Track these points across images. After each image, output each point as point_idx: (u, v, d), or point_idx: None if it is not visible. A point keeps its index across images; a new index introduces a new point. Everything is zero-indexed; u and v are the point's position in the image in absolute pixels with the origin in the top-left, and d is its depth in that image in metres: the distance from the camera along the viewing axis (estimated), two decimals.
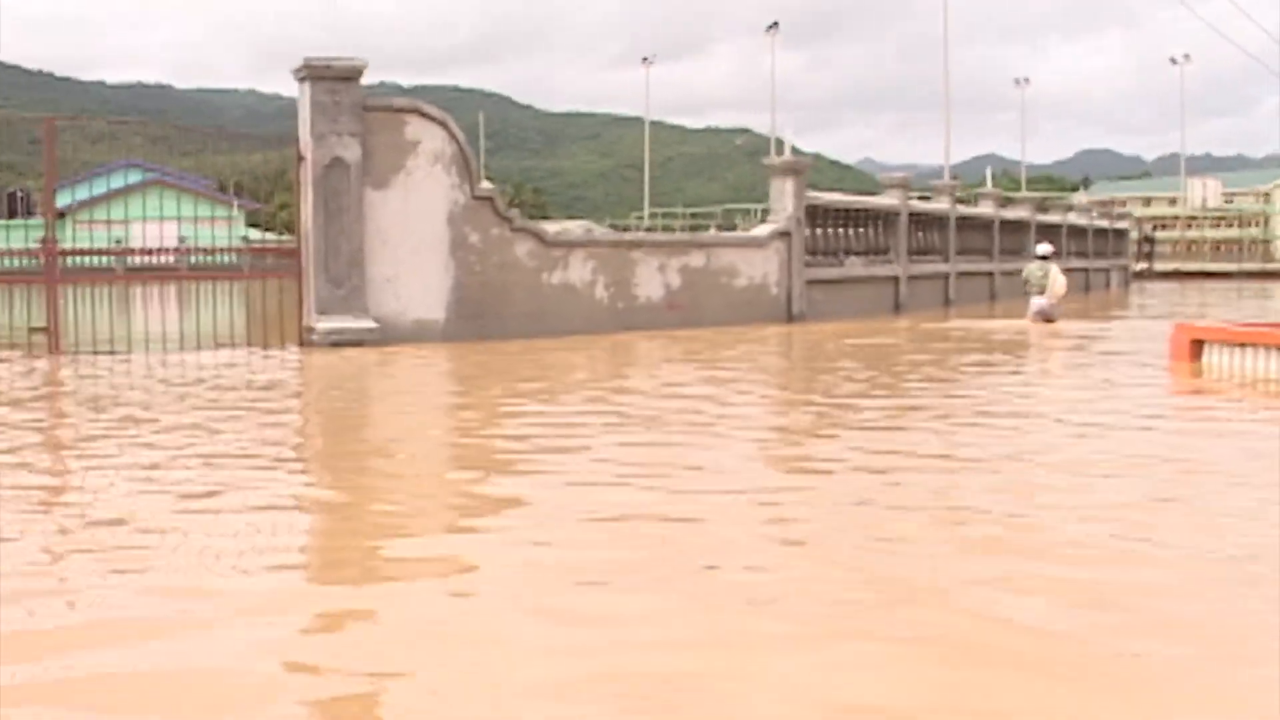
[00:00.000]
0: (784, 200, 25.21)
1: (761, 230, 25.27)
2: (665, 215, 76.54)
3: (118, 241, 48.12)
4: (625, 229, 51.08)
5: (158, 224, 24.46)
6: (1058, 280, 24.19)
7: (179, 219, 38.59)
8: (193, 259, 33.42)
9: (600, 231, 28.87)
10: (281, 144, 20.43)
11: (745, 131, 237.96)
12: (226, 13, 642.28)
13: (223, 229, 59.07)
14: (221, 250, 26.09)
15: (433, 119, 19.74)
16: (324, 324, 18.61)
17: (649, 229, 59.00)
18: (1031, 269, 24.83)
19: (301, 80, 19.15)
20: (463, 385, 14.67)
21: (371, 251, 19.11)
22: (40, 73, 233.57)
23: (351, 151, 18.97)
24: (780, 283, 24.66)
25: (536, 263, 20.70)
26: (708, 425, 10.60)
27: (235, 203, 74.86)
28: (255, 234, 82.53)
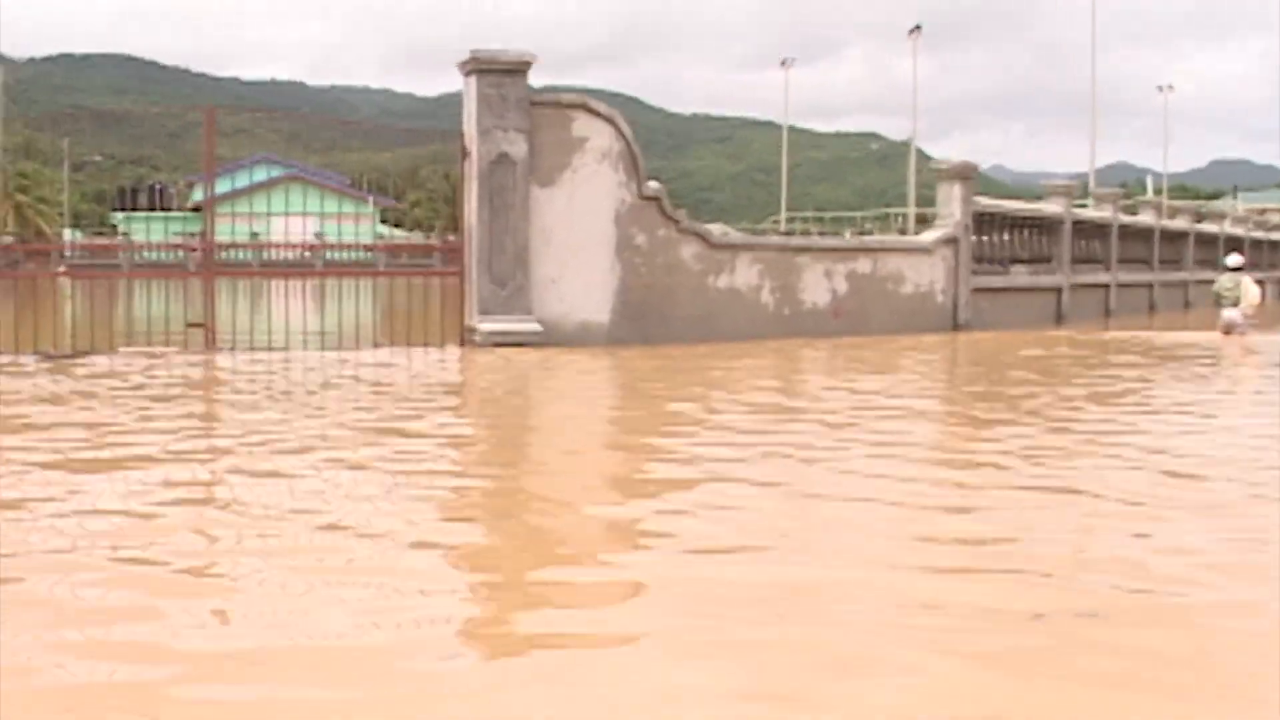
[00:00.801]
0: (951, 205, 24.36)
1: (928, 236, 24.44)
2: (804, 220, 75.54)
3: (255, 236, 48.05)
4: (789, 234, 50.53)
5: (296, 219, 24.20)
6: (1250, 291, 23.15)
7: (321, 214, 38.55)
8: (345, 255, 33.08)
9: (736, 235, 28.10)
10: (445, 140, 19.91)
11: (875, 136, 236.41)
12: (362, 11, 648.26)
13: (360, 224, 59.03)
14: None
15: (600, 115, 19.11)
16: (487, 325, 18.04)
17: (787, 234, 58.20)
18: (1223, 281, 23.79)
19: (467, 74, 18.61)
20: (643, 393, 13.95)
21: (536, 251, 18.52)
22: (176, 68, 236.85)
23: (517, 147, 18.38)
24: (946, 290, 23.79)
25: (702, 265, 20.00)
26: (948, 457, 9.83)
27: (370, 199, 75.08)
28: (387, 231, 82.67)
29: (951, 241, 23.98)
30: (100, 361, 15.86)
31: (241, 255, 22.56)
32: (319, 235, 44.48)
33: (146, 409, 11.24)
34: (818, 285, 21.57)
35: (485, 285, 18.19)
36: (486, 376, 15.06)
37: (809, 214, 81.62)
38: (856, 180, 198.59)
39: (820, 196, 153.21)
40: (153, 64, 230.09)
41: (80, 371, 14.73)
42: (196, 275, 18.22)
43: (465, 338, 18.28)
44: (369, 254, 31.44)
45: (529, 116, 18.51)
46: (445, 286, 19.21)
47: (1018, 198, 38.98)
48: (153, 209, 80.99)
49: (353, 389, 13.33)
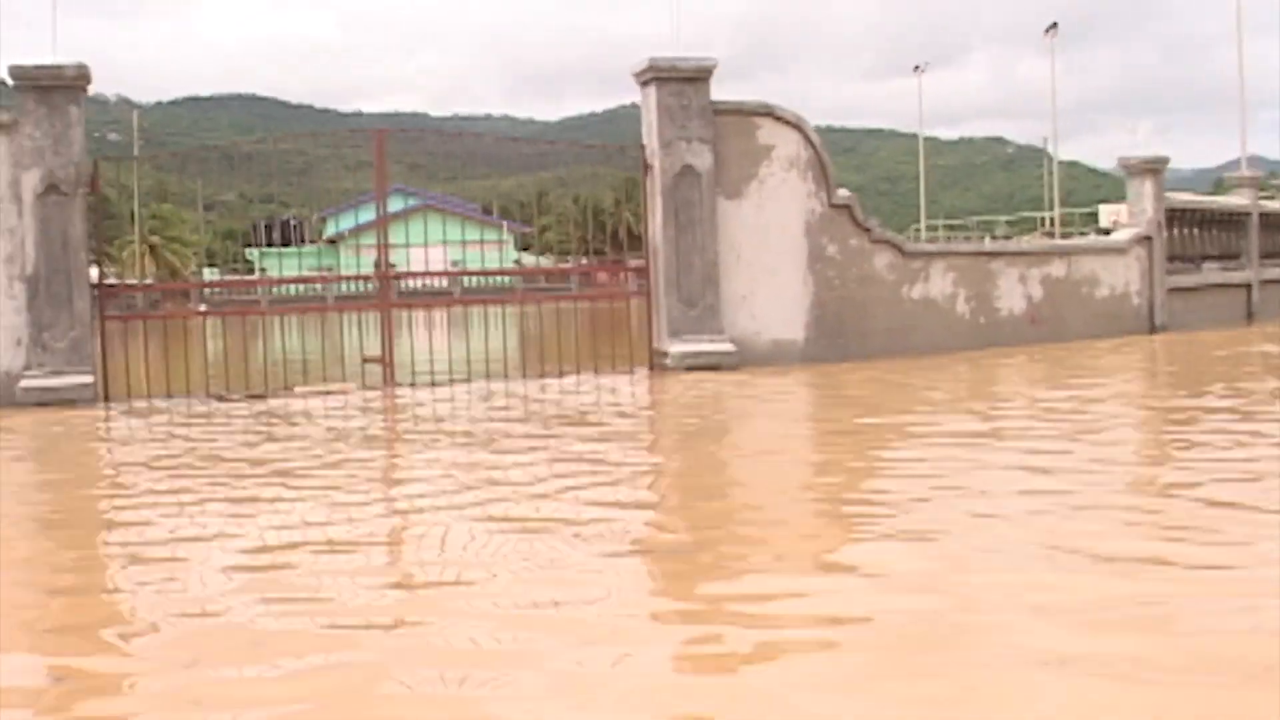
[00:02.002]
0: (1143, 203, 23.11)
1: (1122, 236, 23.23)
2: (946, 228, 74.15)
3: (393, 267, 47.49)
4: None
5: (433, 249, 23.50)
6: None
7: (463, 242, 37.93)
8: (485, 281, 32.41)
9: (928, 243, 26.97)
10: (622, 155, 19.09)
11: (1000, 141, 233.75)
12: (483, 40, 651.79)
13: (495, 252, 58.55)
14: (566, 270, 24.51)
15: (787, 122, 18.16)
16: (677, 347, 17.14)
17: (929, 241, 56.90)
18: None
19: (645, 83, 17.77)
20: (873, 412, 12.94)
21: (726, 267, 17.61)
22: (301, 105, 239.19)
23: (702, 159, 17.49)
24: (1141, 292, 22.55)
25: (896, 275, 18.97)
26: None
27: (505, 225, 74.66)
28: (521, 256, 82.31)
29: (1145, 240, 22.75)
30: (281, 403, 15.19)
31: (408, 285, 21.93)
32: (456, 263, 44.03)
33: (396, 453, 10.51)
34: (1012, 291, 20.45)
35: (674, 305, 17.31)
36: (699, 405, 14.15)
37: (951, 221, 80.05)
38: (984, 186, 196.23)
39: (948, 203, 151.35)
40: (277, 102, 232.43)
41: (281, 412, 14.09)
42: (374, 308, 17.46)
43: (655, 361, 17.41)
44: (516, 280, 30.77)
45: (712, 125, 17.63)
46: (615, 309, 18.41)
47: None
48: (286, 244, 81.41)
49: (581, 424, 12.49)
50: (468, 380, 16.74)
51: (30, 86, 15.80)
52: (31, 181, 15.70)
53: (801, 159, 18.14)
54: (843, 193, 18.59)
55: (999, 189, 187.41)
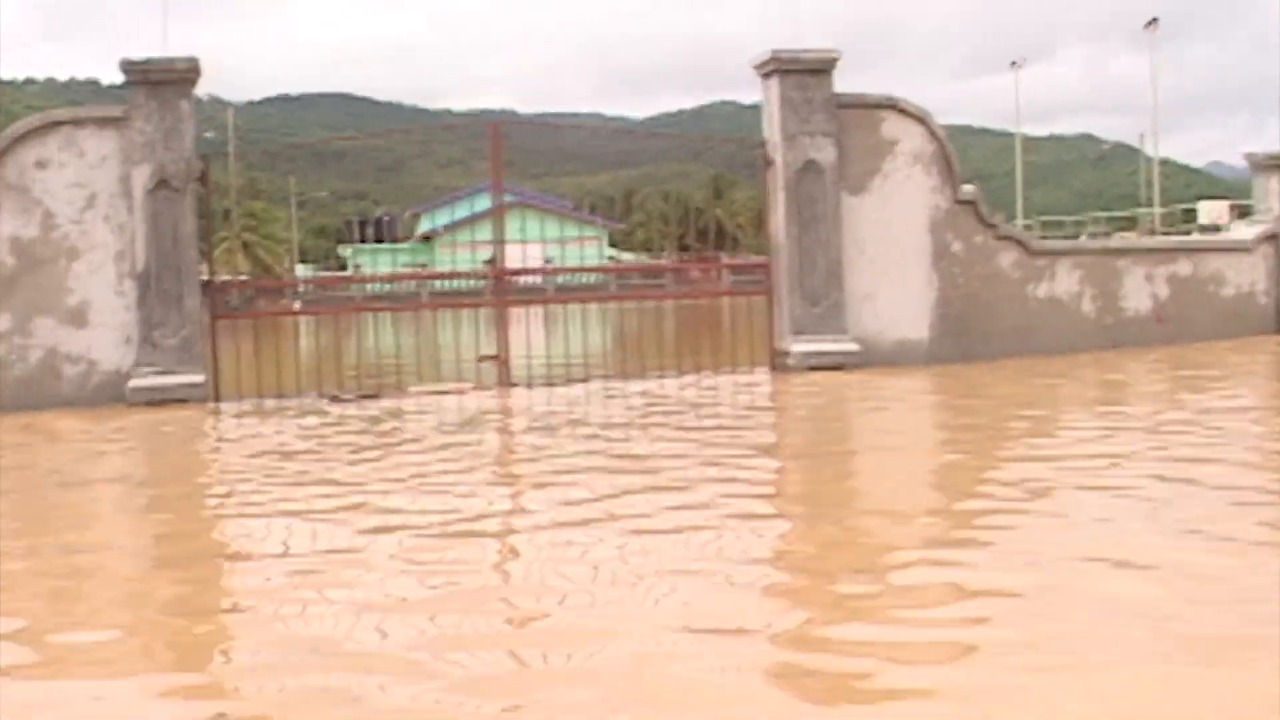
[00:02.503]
0: (1270, 199, 22.28)
1: (1248, 233, 22.42)
2: (1043, 224, 72.92)
3: (487, 263, 47.26)
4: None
5: (528, 245, 23.14)
6: None
7: (560, 239, 37.52)
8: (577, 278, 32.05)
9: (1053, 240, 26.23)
10: (742, 149, 18.56)
11: (1090, 138, 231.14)
12: (574, 37, 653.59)
13: (590, 248, 58.24)
14: (673, 266, 23.90)
15: (911, 115, 17.58)
16: (800, 346, 16.62)
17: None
18: None
19: (766, 76, 17.26)
20: (1037, 412, 12.33)
21: (849, 264, 17.06)
22: (390, 103, 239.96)
23: (825, 153, 16.95)
24: (1269, 291, 21.72)
25: (1021, 273, 18.33)
26: None
27: (599, 221, 74.47)
28: (615, 254, 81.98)
29: (1271, 238, 21.94)
30: (395, 403, 14.81)
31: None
32: (548, 260, 43.66)
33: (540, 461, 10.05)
34: (1139, 291, 19.73)
35: (797, 303, 16.78)
36: (841, 407, 13.64)
37: (1047, 218, 78.91)
38: (1074, 182, 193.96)
39: (1039, 201, 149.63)
40: (366, 100, 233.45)
41: (399, 412, 13.69)
42: (490, 304, 17.05)
43: (776, 361, 16.89)
44: (611, 276, 30.35)
45: (835, 119, 17.07)
46: (714, 306, 17.90)
47: (1239, 194, 36.46)
48: (379, 241, 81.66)
49: (720, 429, 11.99)
50: (585, 380, 16.29)
51: (141, 81, 15.50)
52: (142, 177, 15.39)
53: (926, 153, 17.56)
54: (967, 188, 17.99)
55: (1089, 186, 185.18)
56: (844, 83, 17.21)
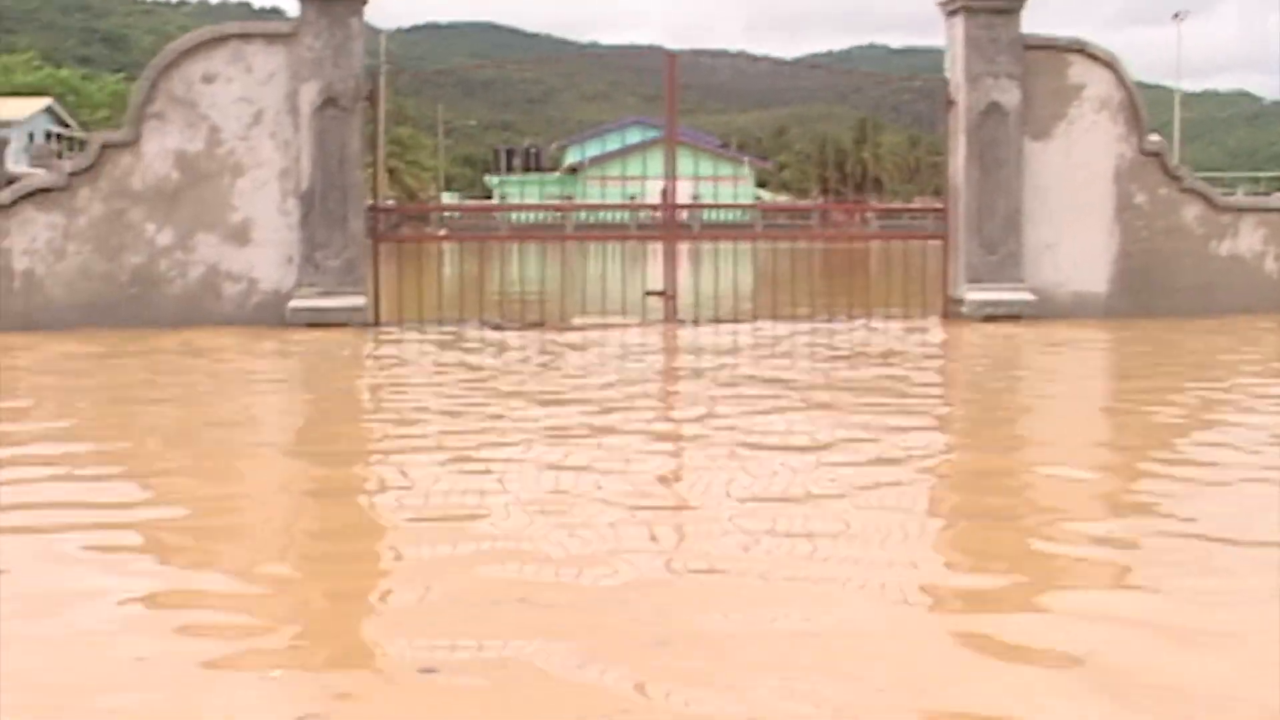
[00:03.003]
0: None
1: None
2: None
3: (632, 198, 46.75)
4: None
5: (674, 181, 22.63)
6: None
7: (710, 177, 36.84)
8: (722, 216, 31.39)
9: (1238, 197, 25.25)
10: (923, 90, 17.92)
11: (1247, 95, 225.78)
12: None
13: (738, 187, 57.68)
14: (869, 208, 23.04)
15: (1099, 60, 16.83)
16: (975, 294, 16.04)
17: None
18: None
19: (951, 14, 16.60)
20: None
21: (1030, 213, 16.40)
22: (538, 35, 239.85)
23: (1009, 96, 16.29)
24: None
25: (1204, 229, 17.53)
26: None
27: (746, 160, 73.55)
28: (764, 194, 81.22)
29: None
30: (574, 335, 14.47)
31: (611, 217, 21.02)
32: (695, 197, 43.11)
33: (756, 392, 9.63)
34: None
35: (974, 250, 16.18)
36: (1035, 358, 13.11)
37: (1206, 174, 76.97)
38: (1228, 140, 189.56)
39: (1189, 158, 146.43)
40: (515, 31, 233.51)
41: (579, 343, 13.34)
42: (659, 238, 16.61)
43: (949, 309, 16.33)
44: (755, 216, 29.73)
45: (1021, 61, 16.39)
46: (857, 252, 17.29)
47: None
48: (528, 170, 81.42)
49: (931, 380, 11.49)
50: (752, 320, 15.85)
51: None
52: (310, 94, 15.10)
53: (1113, 100, 16.82)
54: (1153, 138, 17.26)
55: (1242, 144, 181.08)
56: None
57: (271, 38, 15.29)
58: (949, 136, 16.63)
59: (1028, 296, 16.09)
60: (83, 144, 70.36)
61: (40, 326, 14.84)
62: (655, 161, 17.87)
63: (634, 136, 65.04)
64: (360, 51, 15.26)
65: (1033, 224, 16.39)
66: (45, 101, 75.66)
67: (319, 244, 15.02)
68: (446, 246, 21.09)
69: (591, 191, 30.54)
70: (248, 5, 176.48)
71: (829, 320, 15.99)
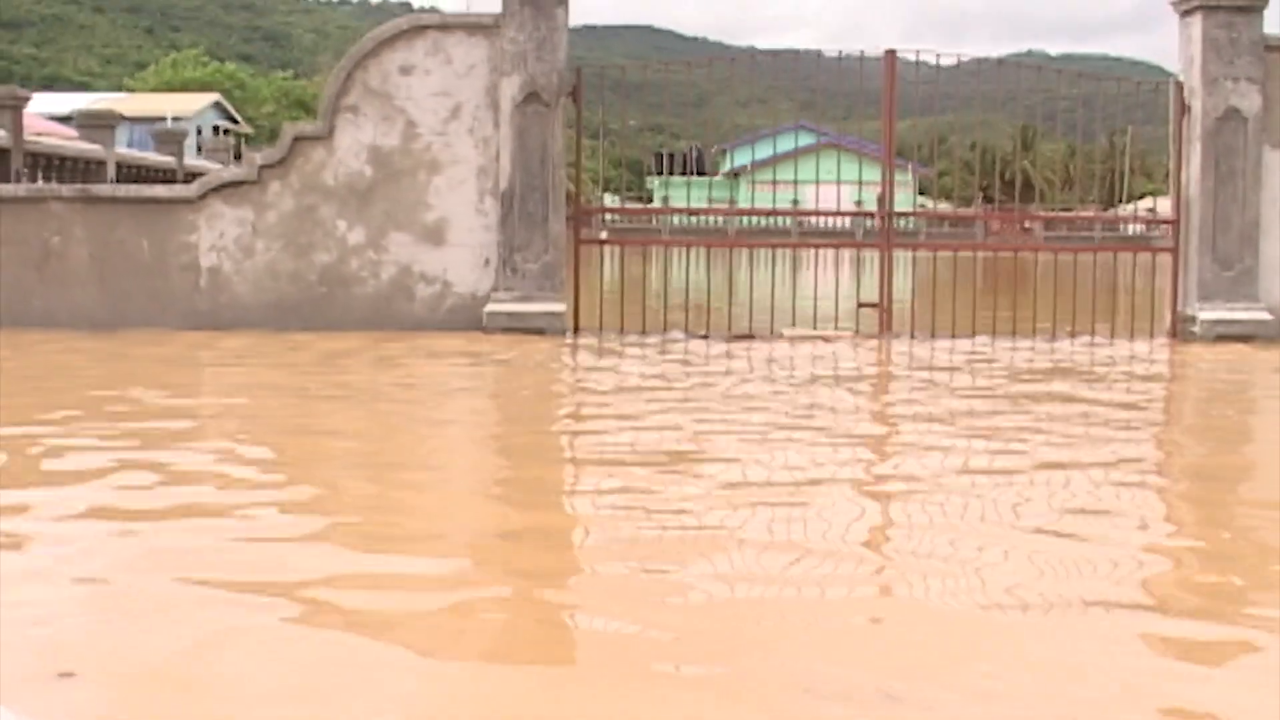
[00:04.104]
0: None
1: None
2: None
3: (794, 203, 45.83)
4: None
5: (833, 187, 21.77)
6: None
7: (874, 182, 35.83)
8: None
9: None
10: (1154, 93, 16.82)
11: None
12: None
13: (901, 193, 56.54)
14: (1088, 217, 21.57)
15: None
16: (1207, 313, 14.98)
17: None
18: None
19: (1187, 13, 15.53)
20: None
21: (1266, 226, 15.29)
22: (694, 38, 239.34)
23: (1249, 101, 15.19)
24: None
25: None
26: None
27: (909, 166, 72.21)
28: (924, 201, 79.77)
29: None
30: (791, 347, 13.64)
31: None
32: (857, 203, 42.09)
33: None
34: None
35: (1206, 266, 15.11)
36: None
37: None
38: None
39: None
40: (672, 34, 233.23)
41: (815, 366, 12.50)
42: (875, 247, 15.72)
43: (1177, 327, 15.27)
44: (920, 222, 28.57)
45: (1263, 63, 15.29)
46: (1017, 262, 16.19)
47: None
48: (687, 174, 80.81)
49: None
50: (971, 335, 14.89)
51: None
52: (511, 89, 14.42)
53: None
54: None
55: None
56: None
57: (472, 29, 14.62)
58: (1183, 143, 15.55)
59: (1264, 316, 15.00)
60: (246, 139, 70.89)
61: (225, 325, 14.36)
62: (824, 167, 17.14)
63: (789, 142, 64.09)
64: (564, 44, 14.52)
65: (1270, 239, 15.28)
66: (213, 97, 76.32)
67: (518, 246, 14.33)
68: (623, 250, 20.39)
69: (753, 196, 29.84)
70: (408, 4, 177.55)
71: (1051, 338, 14.99)
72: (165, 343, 13.16)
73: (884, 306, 15.06)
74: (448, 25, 14.67)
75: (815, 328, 14.95)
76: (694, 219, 41.44)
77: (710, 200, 44.34)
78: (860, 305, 15.42)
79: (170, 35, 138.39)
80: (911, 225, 42.14)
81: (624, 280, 17.98)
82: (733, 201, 64.18)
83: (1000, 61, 18.00)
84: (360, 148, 14.56)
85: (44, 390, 9.91)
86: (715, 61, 16.04)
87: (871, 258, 16.11)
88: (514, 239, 14.33)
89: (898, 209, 16.13)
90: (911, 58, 16.02)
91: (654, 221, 31.67)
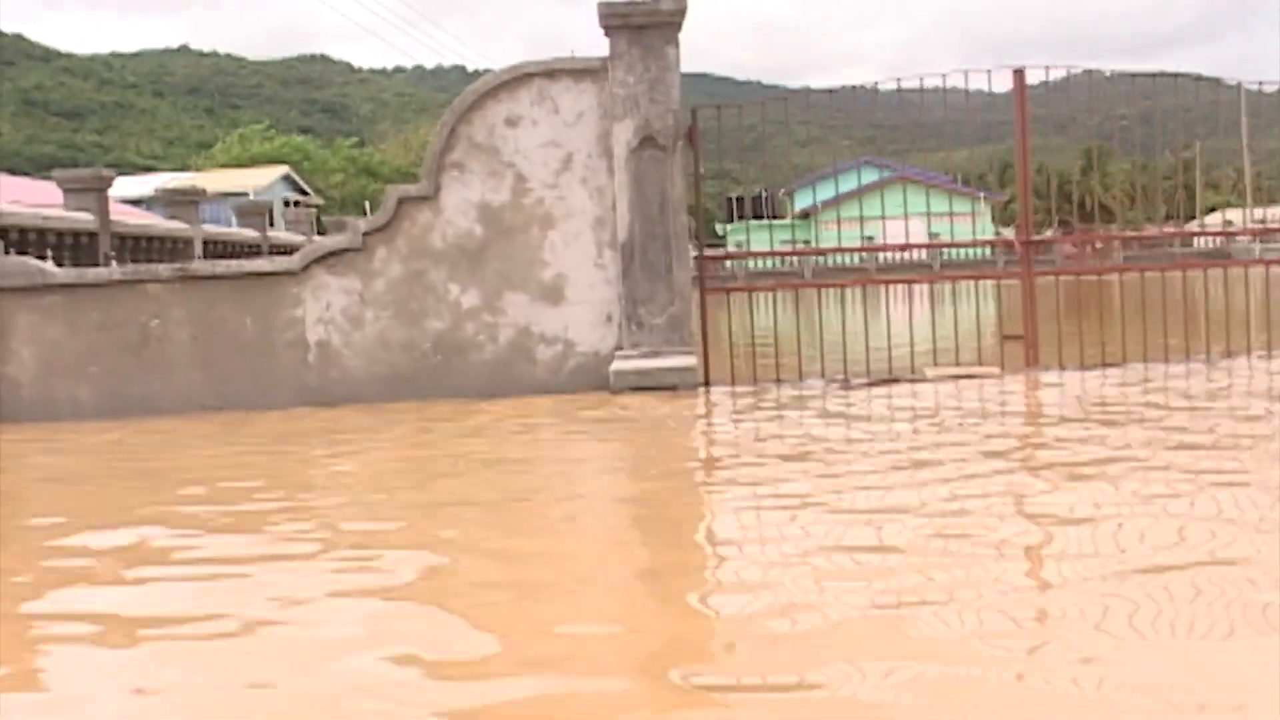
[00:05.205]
0: None
1: None
2: None
3: (869, 239, 45.05)
4: None
5: (911, 220, 20.91)
6: None
7: (949, 214, 35.13)
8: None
9: None
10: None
11: None
12: (940, 10, 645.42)
13: (975, 223, 55.57)
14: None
15: None
16: None
17: None
18: None
19: None
20: None
21: None
22: (748, 82, 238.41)
23: None
24: None
25: None
26: None
27: (982, 196, 71.16)
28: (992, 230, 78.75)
29: None
30: (936, 388, 12.72)
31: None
32: (933, 235, 41.04)
33: None
34: None
35: None
36: None
37: None
38: None
39: None
40: (727, 80, 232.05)
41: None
42: (1015, 276, 14.76)
43: None
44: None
45: None
46: (1089, 286, 15.18)
47: None
48: (758, 217, 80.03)
49: None
50: (1121, 363, 13.90)
51: (622, 26, 13.71)
52: (625, 134, 13.64)
53: None
54: None
55: None
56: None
57: (579, 74, 13.86)
58: None
59: None
60: (319, 210, 70.54)
61: (336, 401, 13.66)
62: (890, 200, 16.31)
63: (867, 177, 63.33)
64: (677, 84, 13.74)
65: None
66: (283, 170, 76.28)
67: (641, 299, 13.52)
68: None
69: (827, 236, 29.17)
70: (462, 69, 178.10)
71: (1205, 358, 13.99)
72: (294, 419, 12.49)
73: (1029, 338, 14.12)
74: (553, 71, 13.90)
75: (957, 364, 14.05)
76: (772, 262, 40.62)
77: (794, 242, 43.48)
78: (1005, 338, 14.46)
79: (230, 114, 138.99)
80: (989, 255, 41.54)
81: (753, 328, 17.04)
82: (806, 242, 63.51)
83: (1109, 75, 17.01)
84: (468, 206, 13.82)
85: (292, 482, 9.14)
86: (776, 101, 15.05)
87: (947, 290, 15.28)
88: (636, 291, 13.52)
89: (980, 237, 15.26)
90: (1040, 76, 14.72)
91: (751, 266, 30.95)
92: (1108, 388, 12.23)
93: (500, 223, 13.81)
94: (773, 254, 17.82)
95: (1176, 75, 14.88)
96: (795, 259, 47.24)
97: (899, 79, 14.53)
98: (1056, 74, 14.64)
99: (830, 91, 15.06)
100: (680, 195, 13.69)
